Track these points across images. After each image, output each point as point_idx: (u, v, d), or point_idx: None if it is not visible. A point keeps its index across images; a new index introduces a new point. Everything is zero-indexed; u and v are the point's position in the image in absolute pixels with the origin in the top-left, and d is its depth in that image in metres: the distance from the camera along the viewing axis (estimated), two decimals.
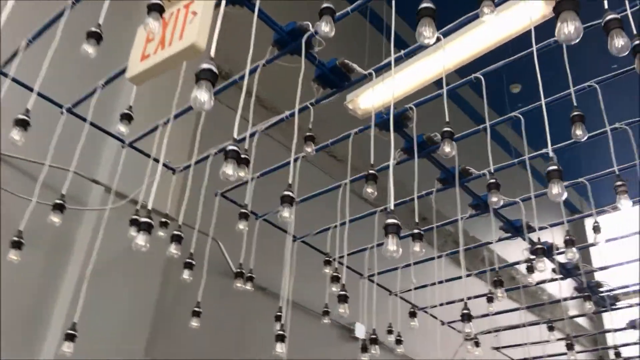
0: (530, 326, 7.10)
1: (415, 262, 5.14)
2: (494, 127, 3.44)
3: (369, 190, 2.64)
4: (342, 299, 3.11)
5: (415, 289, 5.22)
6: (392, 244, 1.94)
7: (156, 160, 3.51)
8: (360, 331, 5.50)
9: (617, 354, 4.88)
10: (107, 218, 3.67)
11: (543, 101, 2.45)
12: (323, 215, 4.62)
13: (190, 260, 3.33)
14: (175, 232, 3.05)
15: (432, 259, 4.96)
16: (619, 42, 1.65)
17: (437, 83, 3.36)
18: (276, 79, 3.46)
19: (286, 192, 2.14)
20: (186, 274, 3.31)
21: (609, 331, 5.51)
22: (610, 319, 10.93)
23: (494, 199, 2.57)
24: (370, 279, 4.78)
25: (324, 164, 5.64)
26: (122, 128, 2.92)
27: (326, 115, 3.46)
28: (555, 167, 2.04)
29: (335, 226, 4.35)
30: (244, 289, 3.83)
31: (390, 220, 1.97)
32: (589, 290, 4.57)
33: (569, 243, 3.93)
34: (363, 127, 3.46)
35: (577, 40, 1.59)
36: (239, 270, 3.74)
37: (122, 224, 3.26)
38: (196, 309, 3.53)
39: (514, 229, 4.02)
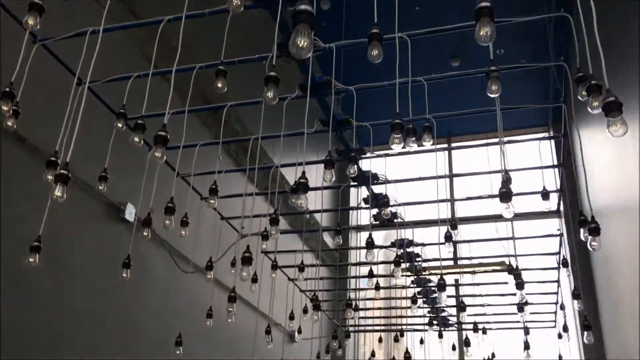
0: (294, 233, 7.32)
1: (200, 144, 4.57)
2: None
3: (236, 2, 2.04)
4: (161, 140, 2.47)
5: (197, 175, 4.67)
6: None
7: None
8: (131, 213, 4.81)
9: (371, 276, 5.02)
10: None
11: None
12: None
13: None
14: None
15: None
16: None
17: None
18: None
19: None
20: None
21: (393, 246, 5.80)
22: (356, 238, 12.06)
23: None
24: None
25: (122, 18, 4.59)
26: None
27: None
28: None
29: (138, 76, 3.58)
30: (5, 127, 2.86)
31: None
32: (377, 203, 4.65)
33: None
34: None
35: None
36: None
37: None
38: None
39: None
